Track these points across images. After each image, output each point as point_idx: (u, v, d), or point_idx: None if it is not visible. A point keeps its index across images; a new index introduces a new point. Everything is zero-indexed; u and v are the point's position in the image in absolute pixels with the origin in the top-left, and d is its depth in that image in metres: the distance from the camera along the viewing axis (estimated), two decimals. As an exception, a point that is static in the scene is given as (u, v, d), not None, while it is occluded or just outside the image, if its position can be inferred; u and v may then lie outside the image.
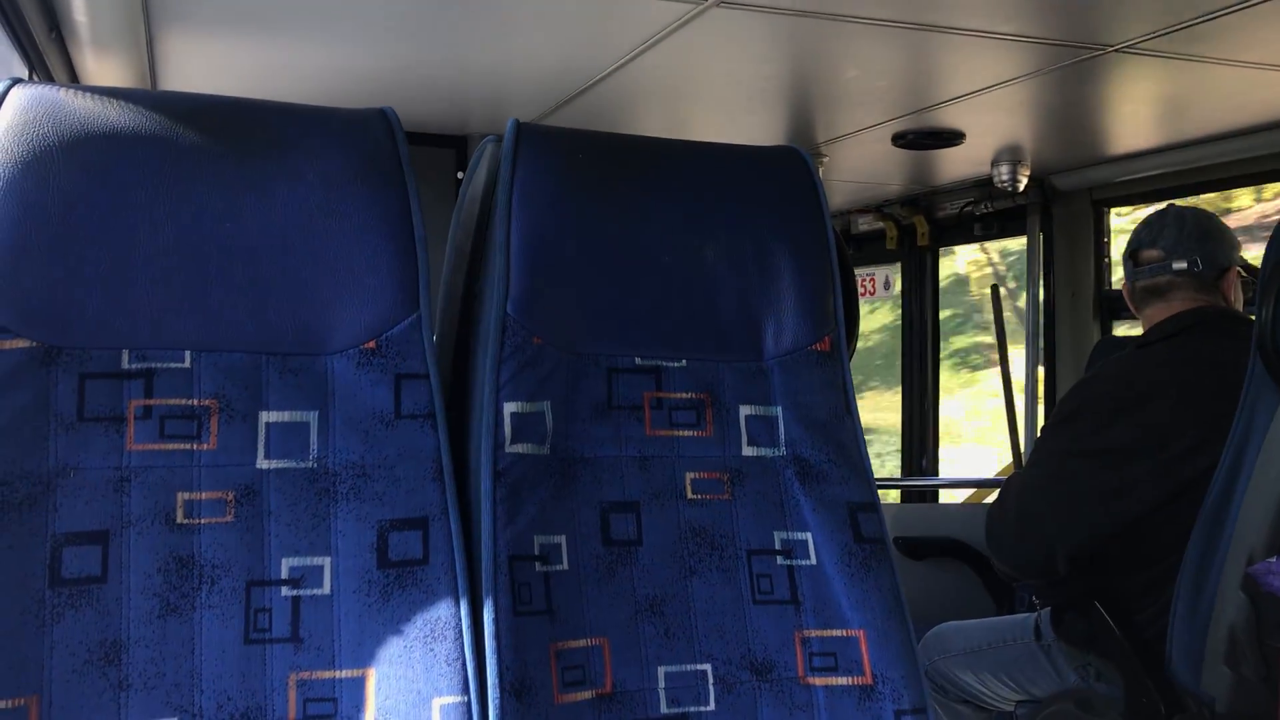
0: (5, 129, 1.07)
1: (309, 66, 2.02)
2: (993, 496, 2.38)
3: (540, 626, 1.13)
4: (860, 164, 3.07)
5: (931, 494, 3.89)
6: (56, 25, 1.75)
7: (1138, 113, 2.53)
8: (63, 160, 1.07)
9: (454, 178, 2.70)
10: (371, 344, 1.14)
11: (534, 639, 1.12)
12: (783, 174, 1.36)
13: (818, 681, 1.22)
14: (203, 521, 1.07)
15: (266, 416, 1.11)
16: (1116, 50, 1.97)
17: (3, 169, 1.05)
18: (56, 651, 1.00)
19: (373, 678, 1.07)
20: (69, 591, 1.02)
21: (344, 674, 1.07)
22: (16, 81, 1.10)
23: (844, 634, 1.23)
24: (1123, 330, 3.21)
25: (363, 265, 1.15)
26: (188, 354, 1.10)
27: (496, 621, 1.10)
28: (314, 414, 1.12)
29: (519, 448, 1.18)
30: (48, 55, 1.74)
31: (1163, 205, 2.23)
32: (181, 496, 1.07)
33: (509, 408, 1.18)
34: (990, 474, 5.30)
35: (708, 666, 1.20)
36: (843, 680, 1.22)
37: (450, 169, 2.74)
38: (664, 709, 1.17)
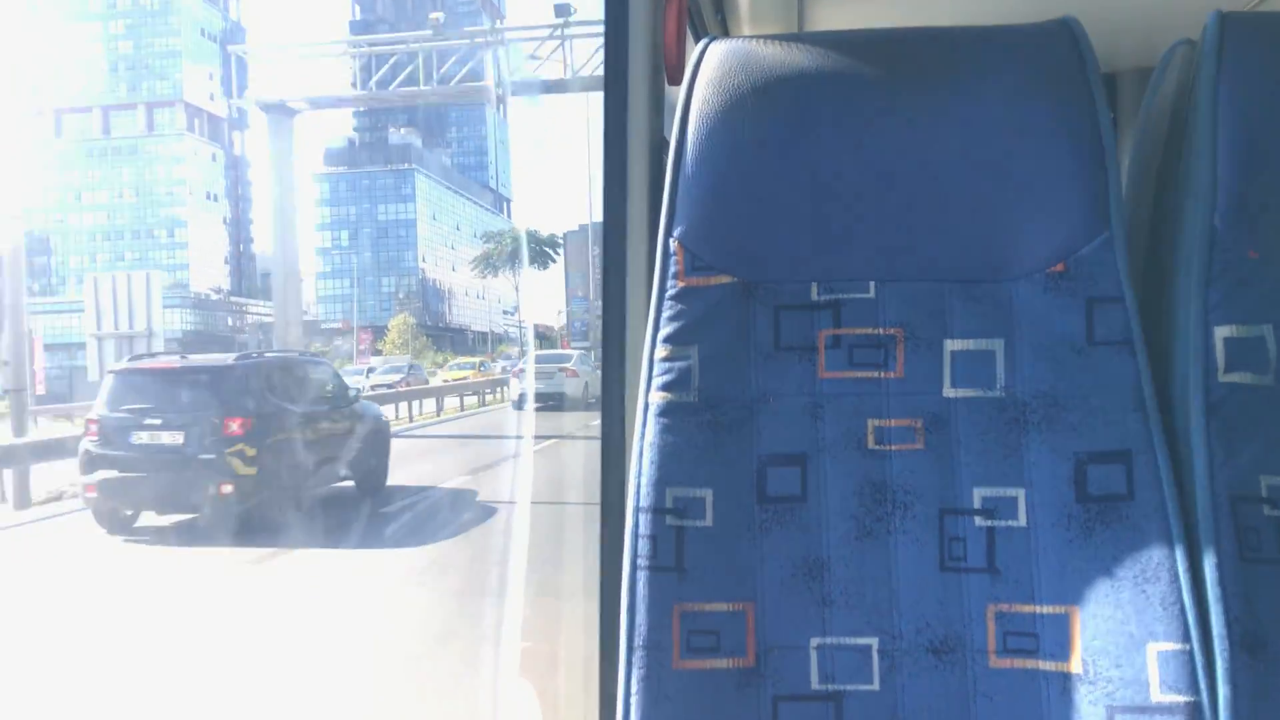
0: (705, 81, 1.15)
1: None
2: None
3: (1275, 576, 0.99)
4: None
5: None
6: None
7: None
8: (753, 104, 1.13)
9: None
10: (1059, 267, 1.08)
11: (1269, 589, 0.98)
12: None
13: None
14: (893, 448, 1.08)
15: (951, 345, 1.09)
16: None
17: (705, 118, 1.13)
18: (767, 564, 1.07)
19: (1077, 616, 1.01)
20: (774, 509, 1.08)
21: (1045, 609, 1.03)
22: (713, 39, 1.19)
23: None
24: None
25: (1048, 184, 1.08)
26: (872, 284, 1.12)
27: (1220, 567, 0.98)
28: (1000, 341, 1.09)
29: (1235, 376, 1.04)
30: (711, 28, 1.89)
31: None
32: (871, 423, 1.09)
33: (1220, 332, 1.05)
34: None
35: None
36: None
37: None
38: None
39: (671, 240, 1.13)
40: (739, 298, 1.12)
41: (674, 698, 1.04)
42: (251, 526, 8.61)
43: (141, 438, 8.88)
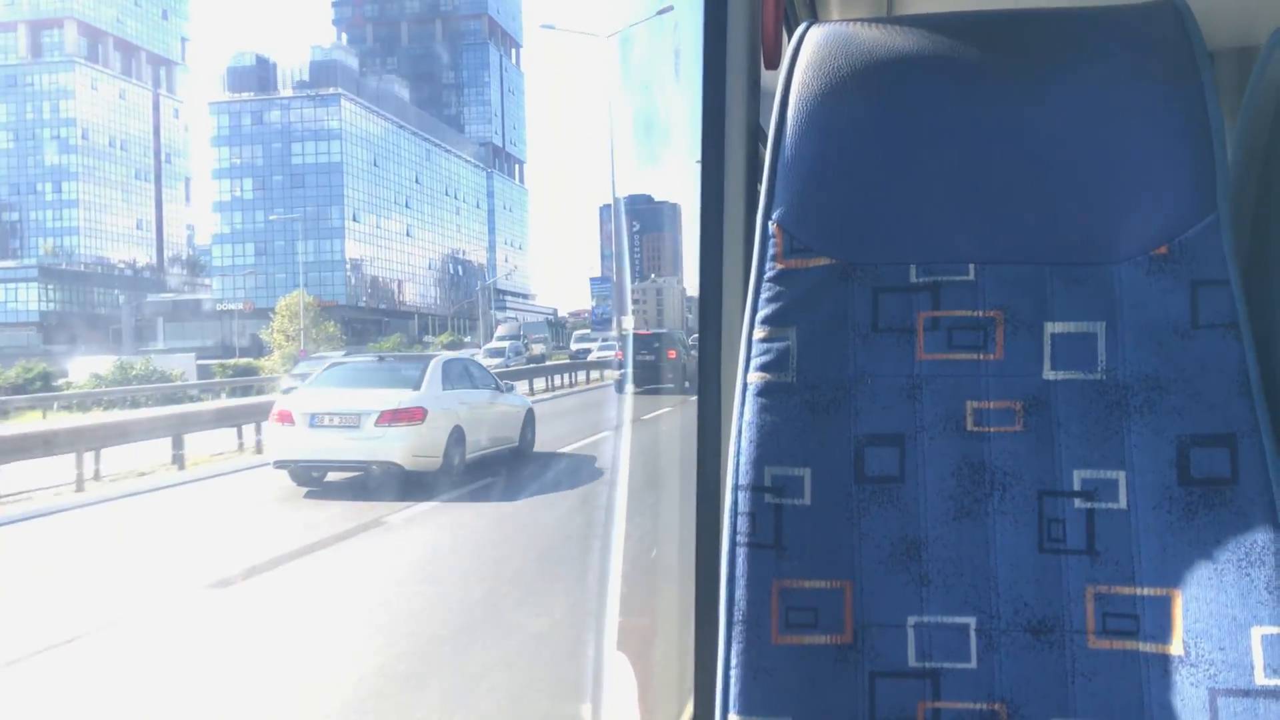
0: (805, 65, 1.16)
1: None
2: None
3: None
4: None
5: None
6: None
7: None
8: (853, 88, 1.14)
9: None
10: (1163, 249, 1.08)
11: None
12: None
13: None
14: (992, 430, 1.09)
15: (1051, 327, 1.10)
16: None
17: (805, 102, 1.14)
18: (864, 543, 1.09)
19: (1179, 598, 1.02)
20: (872, 488, 1.09)
21: (1145, 591, 1.03)
22: (811, 23, 1.20)
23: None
24: None
25: (1153, 166, 1.08)
26: (971, 267, 1.12)
27: None
28: (1101, 324, 1.09)
29: None
30: (802, 13, 1.89)
31: None
32: (970, 405, 1.10)
33: None
34: None
35: None
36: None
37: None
38: None
39: (770, 223, 1.14)
40: (837, 279, 1.13)
41: (773, 671, 1.06)
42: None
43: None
